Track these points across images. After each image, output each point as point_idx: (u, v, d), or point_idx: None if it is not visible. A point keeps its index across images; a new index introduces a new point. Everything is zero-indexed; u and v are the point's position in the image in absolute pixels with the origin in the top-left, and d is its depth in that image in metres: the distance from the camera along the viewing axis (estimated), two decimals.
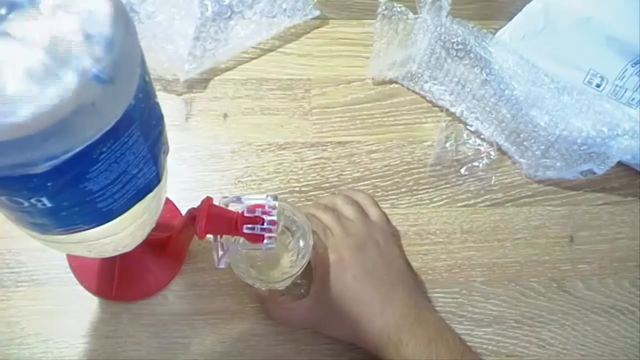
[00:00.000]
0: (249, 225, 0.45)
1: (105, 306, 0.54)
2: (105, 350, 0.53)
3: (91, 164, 0.27)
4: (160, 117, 0.32)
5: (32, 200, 0.27)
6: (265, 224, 0.45)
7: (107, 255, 0.44)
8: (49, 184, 0.26)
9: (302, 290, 0.55)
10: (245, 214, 0.46)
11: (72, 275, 0.54)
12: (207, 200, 0.47)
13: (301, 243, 0.50)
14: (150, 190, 0.33)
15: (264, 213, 0.46)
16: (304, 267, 0.50)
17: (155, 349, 0.53)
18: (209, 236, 0.46)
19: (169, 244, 0.53)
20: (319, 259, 0.52)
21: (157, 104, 0.31)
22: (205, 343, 0.54)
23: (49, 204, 0.28)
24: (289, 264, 0.51)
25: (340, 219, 0.54)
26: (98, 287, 0.54)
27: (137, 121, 0.28)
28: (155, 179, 0.33)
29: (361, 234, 0.53)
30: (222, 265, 0.47)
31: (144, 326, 0.54)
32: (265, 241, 0.45)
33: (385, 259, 0.53)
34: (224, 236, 0.46)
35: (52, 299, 0.54)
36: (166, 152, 0.35)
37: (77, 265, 0.54)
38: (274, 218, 0.45)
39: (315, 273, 0.52)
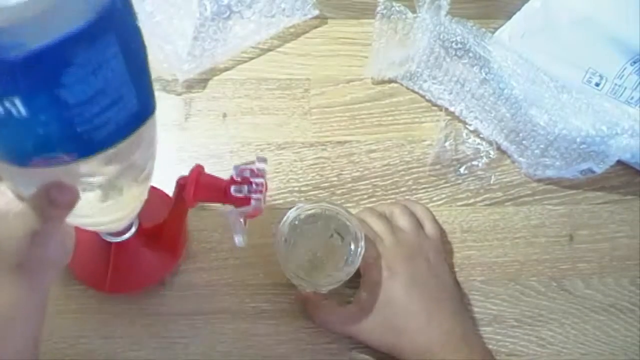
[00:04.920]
0: (236, 187, 0.45)
1: (105, 306, 0.54)
2: (105, 350, 0.53)
3: (64, 64, 0.26)
4: (142, 46, 0.31)
5: (6, 104, 0.27)
6: (253, 185, 0.45)
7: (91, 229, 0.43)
8: (20, 81, 0.26)
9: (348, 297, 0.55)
10: (235, 178, 0.45)
11: (71, 275, 0.54)
12: (197, 168, 0.46)
13: (351, 249, 0.50)
14: (133, 128, 0.33)
15: (252, 176, 0.45)
16: (352, 273, 0.50)
17: (155, 349, 0.53)
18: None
19: (163, 231, 0.53)
20: (368, 266, 0.52)
21: (139, 30, 0.30)
22: (205, 343, 0.54)
23: (24, 112, 0.27)
24: (337, 269, 0.51)
25: (392, 228, 0.54)
26: (92, 278, 0.54)
27: (114, 32, 0.27)
28: (138, 117, 0.33)
29: (411, 245, 0.53)
30: (238, 243, 0.47)
31: (144, 326, 0.54)
32: (252, 202, 0.44)
33: (434, 274, 0.53)
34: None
35: (52, 299, 0.53)
36: (152, 96, 0.34)
37: (72, 257, 0.54)
38: (262, 180, 0.45)
39: (362, 280, 0.52)
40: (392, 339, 0.50)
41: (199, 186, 0.45)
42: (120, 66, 0.29)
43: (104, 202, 0.38)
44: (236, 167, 0.46)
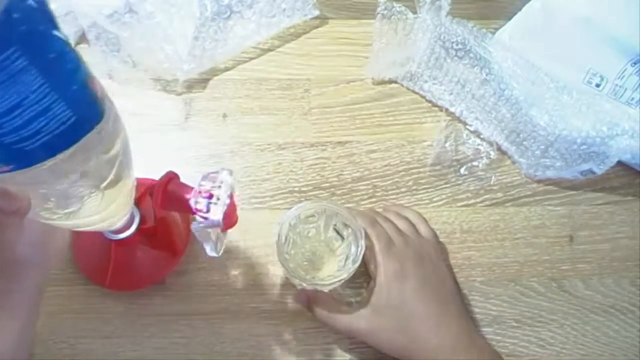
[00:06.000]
0: (195, 199, 0.44)
1: (105, 306, 0.54)
2: (105, 350, 0.53)
3: None
4: (66, 53, 0.30)
5: None
6: (214, 198, 0.44)
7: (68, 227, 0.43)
8: None
9: (354, 299, 0.55)
10: (199, 189, 0.45)
11: (72, 275, 0.54)
12: (168, 175, 0.45)
13: (352, 248, 0.50)
14: (73, 139, 0.32)
15: (214, 188, 0.44)
16: (353, 273, 0.50)
17: (155, 349, 0.53)
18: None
19: (157, 232, 0.52)
20: (379, 268, 0.51)
21: (57, 38, 0.29)
22: (205, 343, 0.54)
23: None
24: (337, 268, 0.52)
25: (399, 231, 0.54)
26: (94, 274, 0.54)
27: (16, 44, 0.27)
28: (77, 127, 0.31)
29: (418, 248, 0.53)
30: (209, 252, 0.46)
31: (144, 326, 0.54)
32: (209, 215, 0.44)
33: (438, 275, 0.53)
34: None
35: (52, 299, 0.54)
36: (103, 104, 0.33)
37: (78, 250, 0.54)
38: (222, 192, 0.44)
39: (374, 282, 0.52)
40: (403, 342, 0.50)
41: (166, 196, 0.44)
42: (34, 79, 0.28)
43: (64, 210, 0.37)
44: (203, 177, 0.45)
